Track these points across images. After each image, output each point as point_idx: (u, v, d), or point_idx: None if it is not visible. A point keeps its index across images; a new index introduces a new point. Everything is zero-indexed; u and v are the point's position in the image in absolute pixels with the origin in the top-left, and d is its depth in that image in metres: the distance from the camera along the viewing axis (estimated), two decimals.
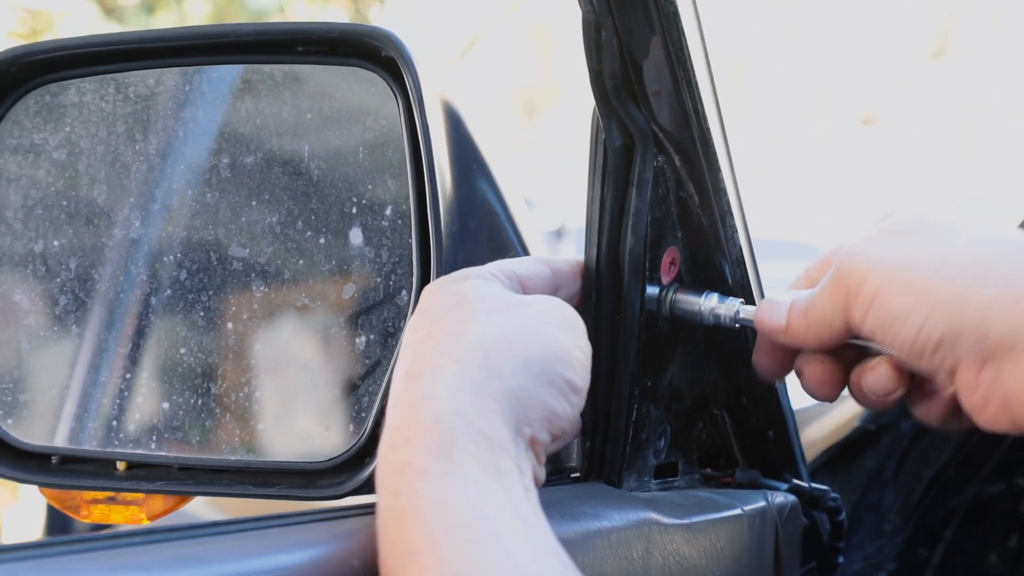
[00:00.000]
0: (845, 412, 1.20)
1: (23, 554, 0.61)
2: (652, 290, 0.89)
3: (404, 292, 0.85)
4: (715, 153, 0.91)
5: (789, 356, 0.87)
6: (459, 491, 0.67)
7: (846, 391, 0.86)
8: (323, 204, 0.88)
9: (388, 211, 0.87)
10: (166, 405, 0.90)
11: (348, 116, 0.89)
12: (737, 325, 0.88)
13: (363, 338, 0.87)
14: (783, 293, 0.85)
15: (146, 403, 0.91)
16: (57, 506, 0.97)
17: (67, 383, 0.94)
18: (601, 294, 0.88)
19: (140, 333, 0.92)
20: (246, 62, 0.92)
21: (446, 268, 0.82)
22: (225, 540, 0.67)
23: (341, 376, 0.87)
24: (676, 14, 0.86)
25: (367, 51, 0.87)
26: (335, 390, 0.87)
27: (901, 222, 0.79)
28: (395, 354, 0.84)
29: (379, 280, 0.86)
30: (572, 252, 0.91)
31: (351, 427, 0.86)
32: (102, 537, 0.64)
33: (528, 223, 0.93)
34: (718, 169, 0.91)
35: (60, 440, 0.93)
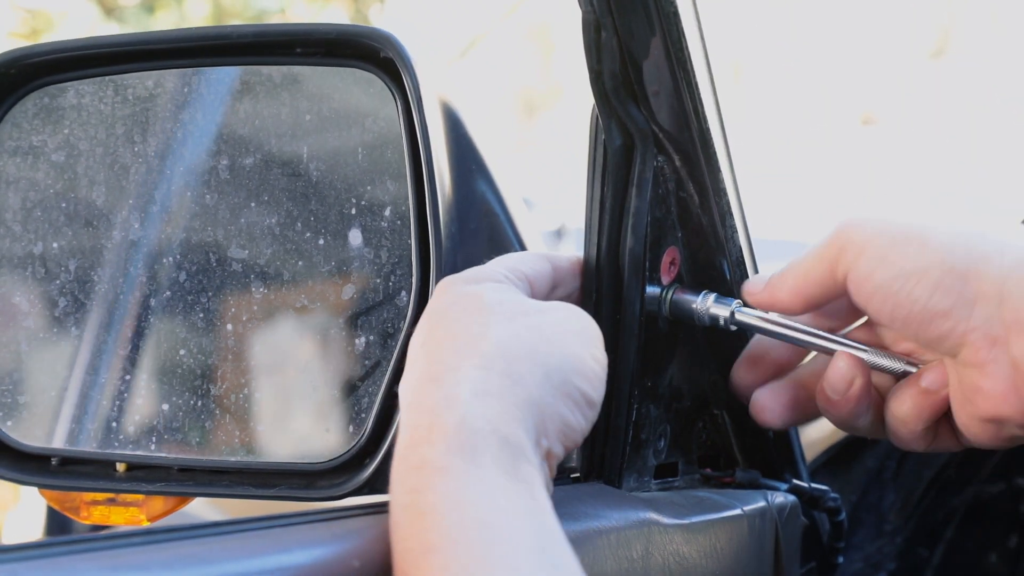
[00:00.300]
0: None
1: (23, 554, 0.61)
2: (652, 290, 0.89)
3: (404, 293, 0.85)
4: (715, 153, 0.91)
5: (769, 371, 0.88)
6: (480, 491, 0.66)
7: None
8: (322, 205, 0.88)
9: (387, 212, 0.87)
10: (166, 406, 0.90)
11: (347, 117, 0.89)
12: (734, 327, 0.88)
13: (363, 339, 0.87)
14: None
15: (146, 404, 0.91)
16: (57, 507, 0.97)
17: (66, 385, 0.94)
18: (601, 294, 0.88)
19: (139, 334, 0.92)
20: (245, 64, 0.92)
21: (446, 269, 0.82)
22: (225, 540, 0.67)
23: (341, 377, 0.87)
24: (676, 14, 0.86)
25: (366, 52, 0.87)
26: (335, 391, 0.87)
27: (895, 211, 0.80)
28: (395, 355, 0.84)
29: (378, 281, 0.86)
30: (572, 252, 0.90)
31: (351, 428, 0.86)
32: (102, 537, 0.64)
33: (528, 223, 0.93)
34: (718, 169, 0.91)
35: (59, 441, 0.93)
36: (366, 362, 0.86)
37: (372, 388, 0.85)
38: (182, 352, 0.90)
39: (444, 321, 0.76)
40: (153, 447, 0.90)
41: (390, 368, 0.84)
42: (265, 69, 0.91)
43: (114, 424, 0.92)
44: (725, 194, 0.92)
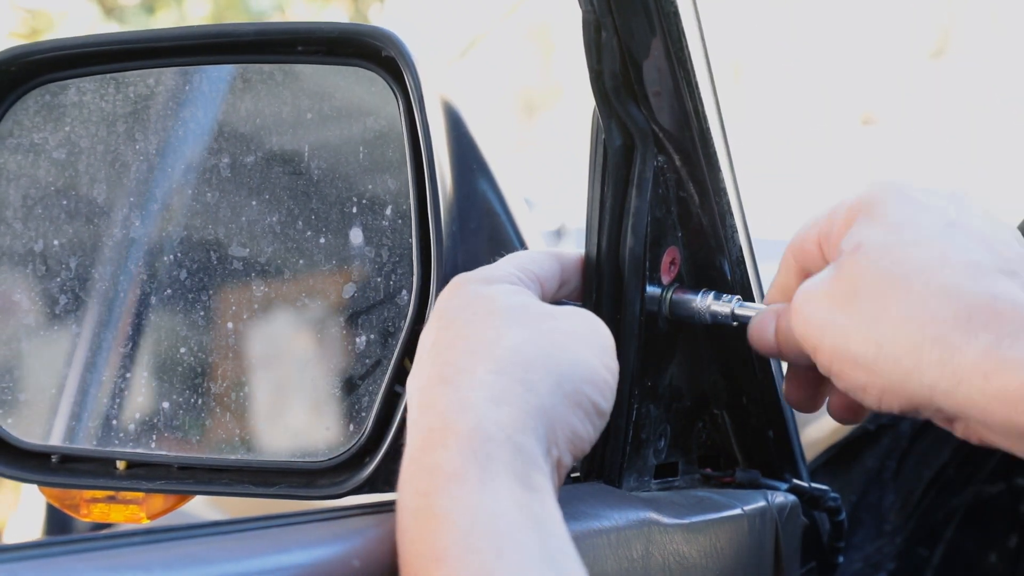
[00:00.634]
0: None
1: (23, 554, 0.61)
2: (652, 290, 0.89)
3: (404, 292, 0.85)
4: (715, 153, 0.91)
5: (818, 385, 0.87)
6: (492, 499, 0.66)
7: None
8: (323, 204, 0.88)
9: (388, 211, 0.87)
10: (166, 404, 0.90)
11: (348, 116, 0.89)
12: (735, 323, 0.88)
13: (363, 338, 0.86)
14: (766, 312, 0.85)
15: (146, 402, 0.91)
16: (57, 505, 0.97)
17: (66, 382, 0.94)
18: (601, 294, 0.88)
19: (140, 332, 0.92)
20: (246, 62, 0.92)
21: (446, 267, 0.82)
22: (225, 540, 0.67)
23: (341, 375, 0.87)
24: (676, 14, 0.86)
25: (367, 51, 0.87)
26: (335, 389, 0.87)
27: (843, 270, 0.76)
28: (395, 354, 0.84)
29: (379, 280, 0.86)
30: (578, 249, 0.90)
31: (351, 427, 0.86)
32: (102, 537, 0.64)
33: (528, 222, 0.93)
34: (718, 169, 0.91)
35: (59, 439, 0.93)
36: (366, 361, 0.86)
37: (372, 387, 0.85)
38: (182, 350, 0.90)
39: (457, 322, 0.76)
40: (153, 445, 0.90)
41: (391, 367, 0.84)
42: (266, 67, 0.91)
43: (114, 422, 0.92)
44: (725, 194, 0.92)
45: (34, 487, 0.97)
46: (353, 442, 0.84)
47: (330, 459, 0.85)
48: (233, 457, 0.89)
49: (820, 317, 0.76)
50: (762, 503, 0.94)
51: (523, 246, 0.91)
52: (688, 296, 0.90)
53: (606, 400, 0.76)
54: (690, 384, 0.95)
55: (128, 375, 0.92)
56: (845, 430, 1.20)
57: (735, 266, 0.93)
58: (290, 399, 0.90)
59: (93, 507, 0.95)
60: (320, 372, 0.88)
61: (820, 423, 1.22)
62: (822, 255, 0.81)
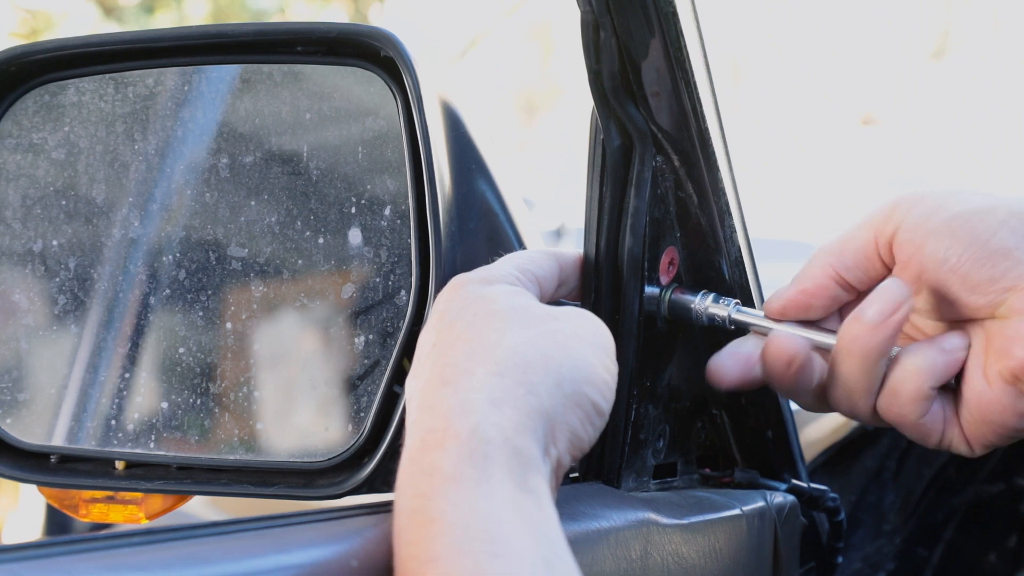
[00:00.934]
0: None
1: (23, 554, 0.61)
2: (651, 290, 0.89)
3: (403, 292, 0.85)
4: (714, 153, 0.91)
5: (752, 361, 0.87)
6: (489, 503, 0.66)
7: None
8: (322, 204, 0.88)
9: (387, 211, 0.87)
10: (165, 404, 0.90)
11: (347, 116, 0.89)
12: (733, 327, 0.88)
13: (362, 338, 0.86)
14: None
15: (145, 402, 0.91)
16: (56, 505, 0.97)
17: (66, 382, 0.94)
18: (600, 294, 0.88)
19: (139, 332, 0.92)
20: (245, 62, 0.92)
21: (445, 268, 0.82)
22: (225, 540, 0.67)
23: (340, 376, 0.87)
24: (675, 14, 0.86)
25: (366, 51, 0.87)
26: (334, 390, 0.87)
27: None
28: (394, 354, 0.84)
29: (378, 280, 0.86)
30: (576, 249, 0.90)
31: (350, 427, 0.86)
32: (102, 537, 0.64)
33: (527, 222, 0.93)
34: (717, 169, 0.91)
35: (59, 439, 0.93)
36: (365, 361, 0.86)
37: (371, 387, 0.85)
38: (181, 350, 0.90)
39: (457, 324, 0.76)
40: (152, 445, 0.90)
41: (390, 367, 0.84)
42: (266, 67, 0.91)
43: (113, 422, 0.92)
44: (724, 194, 0.92)
45: (33, 487, 0.97)
46: (352, 442, 0.85)
47: (329, 459, 0.85)
48: (232, 457, 0.89)
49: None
50: (761, 503, 0.94)
51: (522, 246, 0.91)
52: (687, 297, 0.90)
53: (606, 401, 0.76)
54: (689, 384, 0.95)
55: (127, 375, 0.92)
56: (845, 430, 1.20)
57: (733, 266, 0.93)
58: (289, 399, 0.90)
59: (92, 507, 0.95)
60: (319, 372, 0.88)
61: (820, 423, 1.22)
62: (877, 254, 0.81)
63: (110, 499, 0.94)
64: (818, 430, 1.20)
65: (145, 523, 0.93)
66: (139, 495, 0.93)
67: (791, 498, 0.97)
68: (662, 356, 0.92)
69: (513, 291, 0.79)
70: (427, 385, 0.73)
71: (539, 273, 0.83)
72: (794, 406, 1.00)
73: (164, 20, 5.96)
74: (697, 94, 0.89)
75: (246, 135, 0.91)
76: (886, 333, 0.79)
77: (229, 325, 0.90)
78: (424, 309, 0.82)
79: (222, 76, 0.93)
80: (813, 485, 1.01)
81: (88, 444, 0.92)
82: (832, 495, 1.02)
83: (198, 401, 0.89)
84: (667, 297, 0.90)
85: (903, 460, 1.19)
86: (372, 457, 0.83)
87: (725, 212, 0.92)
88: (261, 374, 0.90)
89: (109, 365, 0.93)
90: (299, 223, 0.88)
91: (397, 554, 0.67)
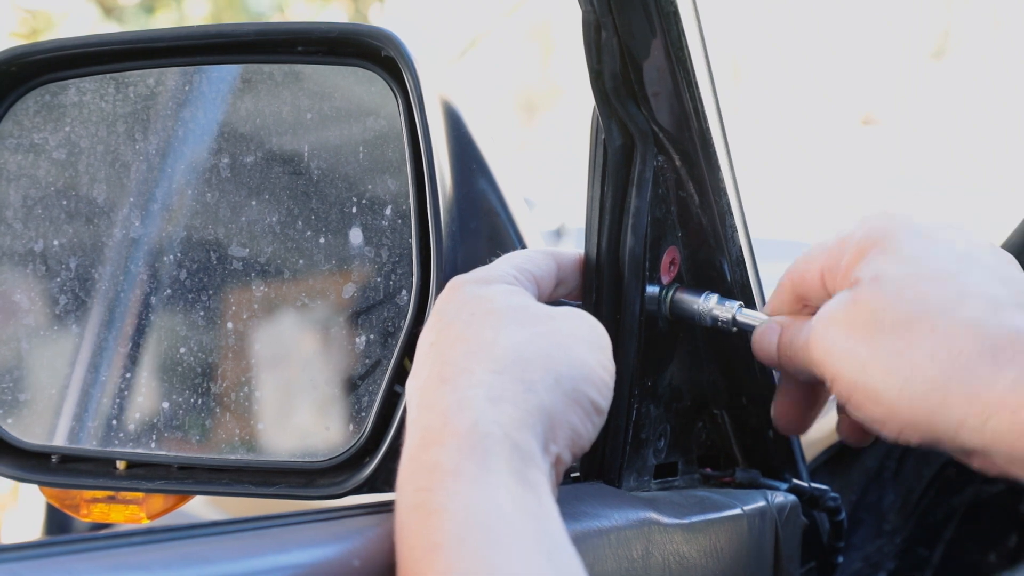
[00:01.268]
0: None
1: (23, 554, 0.61)
2: (652, 290, 0.89)
3: (404, 292, 0.85)
4: (715, 153, 0.91)
5: (809, 408, 0.88)
6: (489, 495, 0.67)
7: None
8: (323, 204, 0.88)
9: (388, 211, 0.87)
10: (166, 404, 0.90)
11: (348, 116, 0.89)
12: (735, 328, 0.88)
13: (363, 338, 0.87)
14: (769, 324, 0.85)
15: (146, 402, 0.91)
16: (57, 505, 0.97)
17: (67, 382, 0.94)
18: (601, 294, 0.88)
19: (140, 332, 0.92)
20: (246, 62, 0.92)
21: (446, 267, 0.82)
22: (225, 540, 0.67)
23: (341, 375, 0.87)
24: (676, 14, 0.86)
25: (367, 51, 0.87)
26: (335, 389, 0.87)
27: (862, 301, 0.76)
28: (395, 354, 0.84)
29: (379, 280, 0.86)
30: (575, 248, 0.90)
31: (351, 426, 0.86)
32: (102, 537, 0.64)
33: (528, 222, 0.93)
34: (718, 169, 0.91)
35: (60, 439, 0.93)
36: (366, 361, 0.86)
37: (372, 387, 0.85)
38: (182, 350, 0.90)
39: (455, 323, 0.77)
40: (153, 445, 0.90)
41: (391, 367, 0.84)
42: (266, 67, 0.91)
43: (114, 422, 0.92)
44: (725, 194, 0.92)
45: (34, 487, 0.97)
46: (353, 442, 0.85)
47: (330, 459, 0.85)
48: (233, 457, 0.89)
49: (840, 347, 0.76)
50: (762, 503, 0.94)
51: (523, 246, 0.91)
52: (689, 297, 0.90)
53: (604, 398, 0.76)
54: (690, 384, 0.95)
55: (128, 375, 0.92)
56: None
57: (735, 266, 0.93)
58: (290, 399, 0.90)
59: (93, 507, 0.95)
60: (320, 372, 0.88)
61: (820, 423, 1.22)
62: (823, 286, 0.81)
63: (111, 499, 0.94)
64: (819, 430, 1.20)
65: (146, 523, 0.93)
66: (140, 495, 0.93)
67: (792, 498, 0.97)
68: (663, 356, 0.92)
69: (511, 290, 0.79)
70: (426, 384, 0.74)
71: (537, 273, 0.83)
72: None
73: (164, 20, 5.96)
74: (698, 94, 0.89)
75: (247, 135, 0.91)
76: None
77: (230, 325, 0.90)
78: (425, 309, 0.82)
79: (223, 76, 0.93)
80: (814, 485, 1.01)
81: (89, 444, 0.92)
82: (833, 495, 1.02)
83: (199, 401, 0.90)
84: (669, 297, 0.90)
85: (903, 460, 1.19)
86: (373, 457, 0.83)
87: (726, 212, 0.92)
88: (262, 374, 0.90)
89: (110, 365, 0.93)
90: (300, 223, 0.88)
91: (399, 549, 0.67)
